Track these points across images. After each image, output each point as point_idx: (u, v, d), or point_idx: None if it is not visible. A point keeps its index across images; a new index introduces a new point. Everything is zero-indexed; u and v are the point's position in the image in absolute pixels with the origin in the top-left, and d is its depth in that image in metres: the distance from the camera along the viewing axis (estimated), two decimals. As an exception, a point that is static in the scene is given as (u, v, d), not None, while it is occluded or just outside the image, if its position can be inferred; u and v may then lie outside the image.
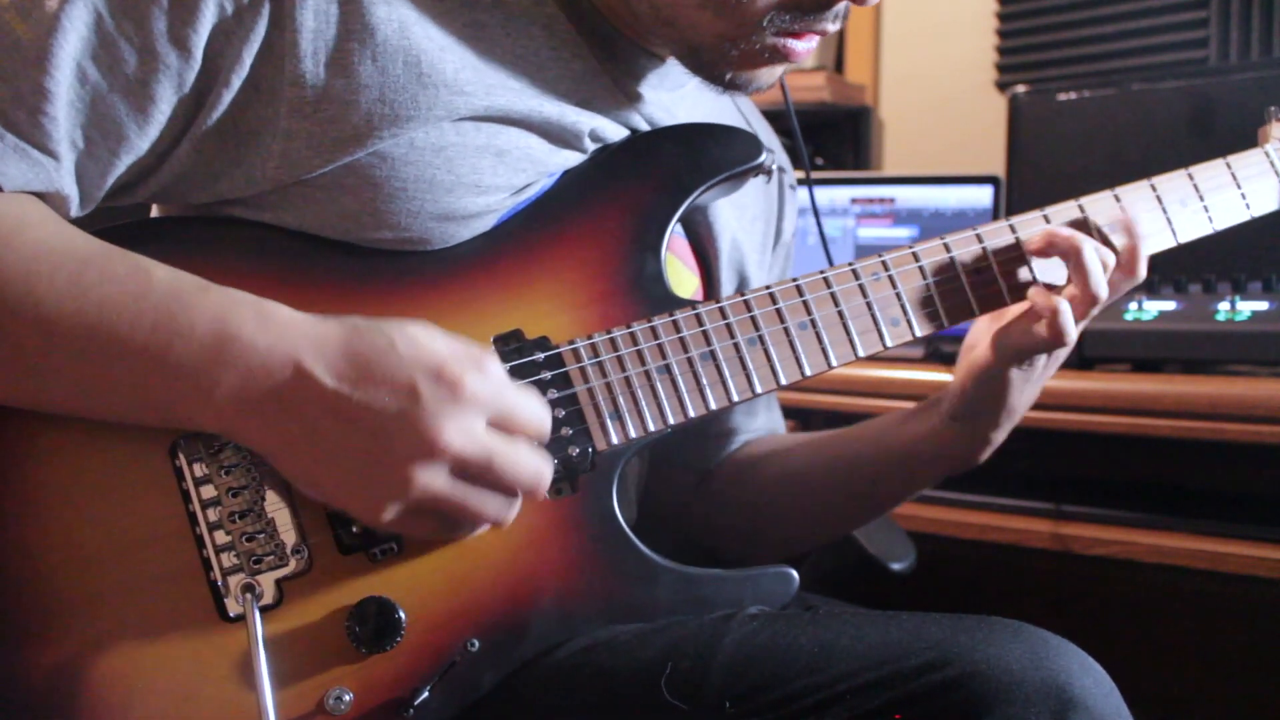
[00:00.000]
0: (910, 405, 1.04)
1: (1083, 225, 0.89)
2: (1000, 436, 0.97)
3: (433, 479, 0.67)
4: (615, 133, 0.87)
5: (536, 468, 0.71)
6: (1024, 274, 0.89)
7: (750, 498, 1.06)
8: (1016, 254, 0.89)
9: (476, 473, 0.68)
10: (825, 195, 1.75)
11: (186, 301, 0.68)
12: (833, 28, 0.80)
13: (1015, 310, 0.90)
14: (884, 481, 1.02)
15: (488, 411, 0.68)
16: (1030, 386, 0.94)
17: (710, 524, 1.09)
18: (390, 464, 0.67)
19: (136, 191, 0.78)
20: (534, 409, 0.71)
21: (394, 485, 0.67)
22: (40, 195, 0.72)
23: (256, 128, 0.74)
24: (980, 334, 0.95)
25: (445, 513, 0.70)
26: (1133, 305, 1.33)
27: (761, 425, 1.11)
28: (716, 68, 0.81)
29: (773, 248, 1.08)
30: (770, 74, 0.83)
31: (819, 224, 1.11)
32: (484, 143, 0.79)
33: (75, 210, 0.74)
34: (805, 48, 0.80)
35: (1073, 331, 0.86)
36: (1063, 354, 0.93)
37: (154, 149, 0.74)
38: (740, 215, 1.00)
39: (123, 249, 0.71)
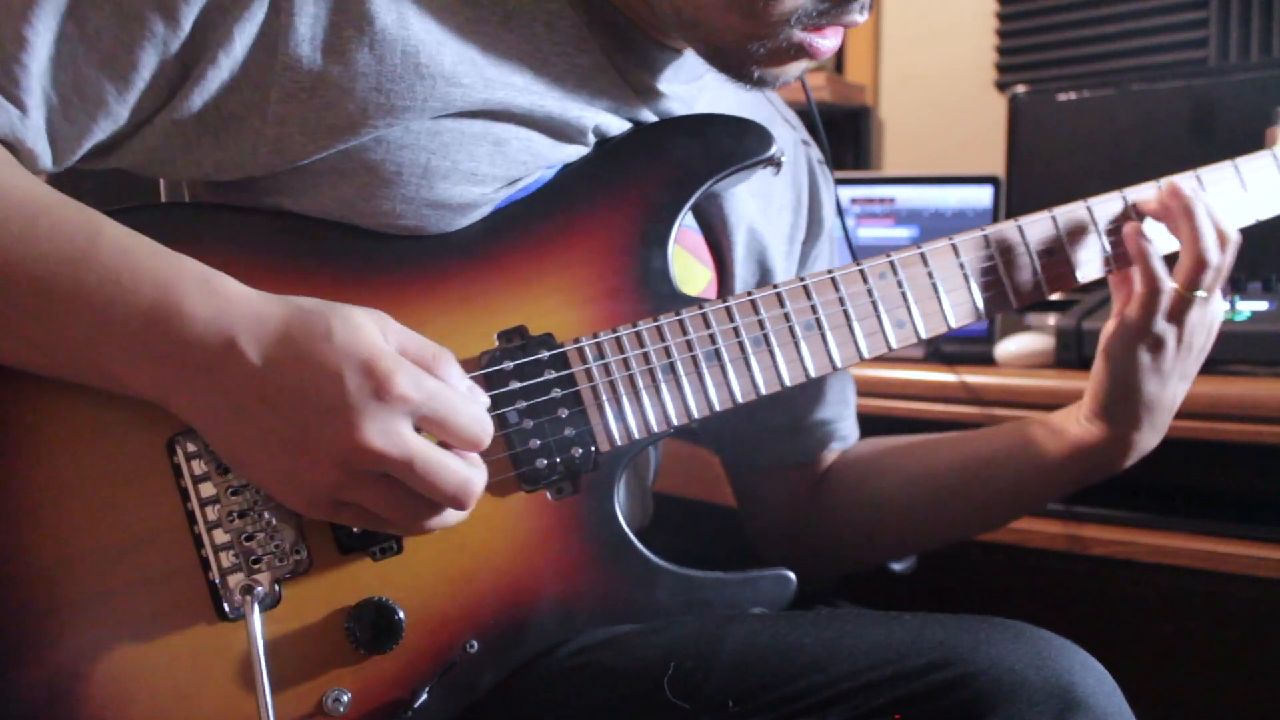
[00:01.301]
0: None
1: (1084, 225, 0.91)
2: (1144, 440, 0.94)
3: (350, 475, 0.66)
4: (621, 129, 0.86)
5: (463, 478, 0.68)
6: (1029, 275, 0.90)
7: (879, 498, 1.05)
8: (1023, 254, 0.90)
9: (399, 476, 0.67)
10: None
11: (133, 264, 0.67)
12: (860, 18, 0.79)
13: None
14: (1025, 487, 1.00)
15: (417, 413, 0.66)
16: (1162, 380, 0.91)
17: (831, 522, 1.07)
18: (311, 453, 0.65)
19: (110, 157, 0.77)
20: (469, 418, 0.69)
21: (314, 475, 0.66)
22: (4, 144, 0.71)
23: (239, 112, 0.73)
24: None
25: (368, 511, 0.69)
26: (1133, 305, 1.33)
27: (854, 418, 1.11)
28: (743, 67, 0.80)
29: (807, 238, 1.06)
30: (796, 68, 0.81)
31: (843, 223, 1.11)
32: (481, 131, 0.78)
33: (45, 167, 0.73)
34: (830, 44, 0.79)
35: (1161, 275, 0.88)
36: (1199, 345, 0.92)
37: (133, 118, 0.73)
38: (766, 206, 0.99)
39: (82, 206, 0.69)
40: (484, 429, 0.70)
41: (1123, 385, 0.92)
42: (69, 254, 0.66)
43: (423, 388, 0.66)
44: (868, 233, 1.74)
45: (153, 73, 0.72)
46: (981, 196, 1.66)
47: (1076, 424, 0.96)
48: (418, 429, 0.67)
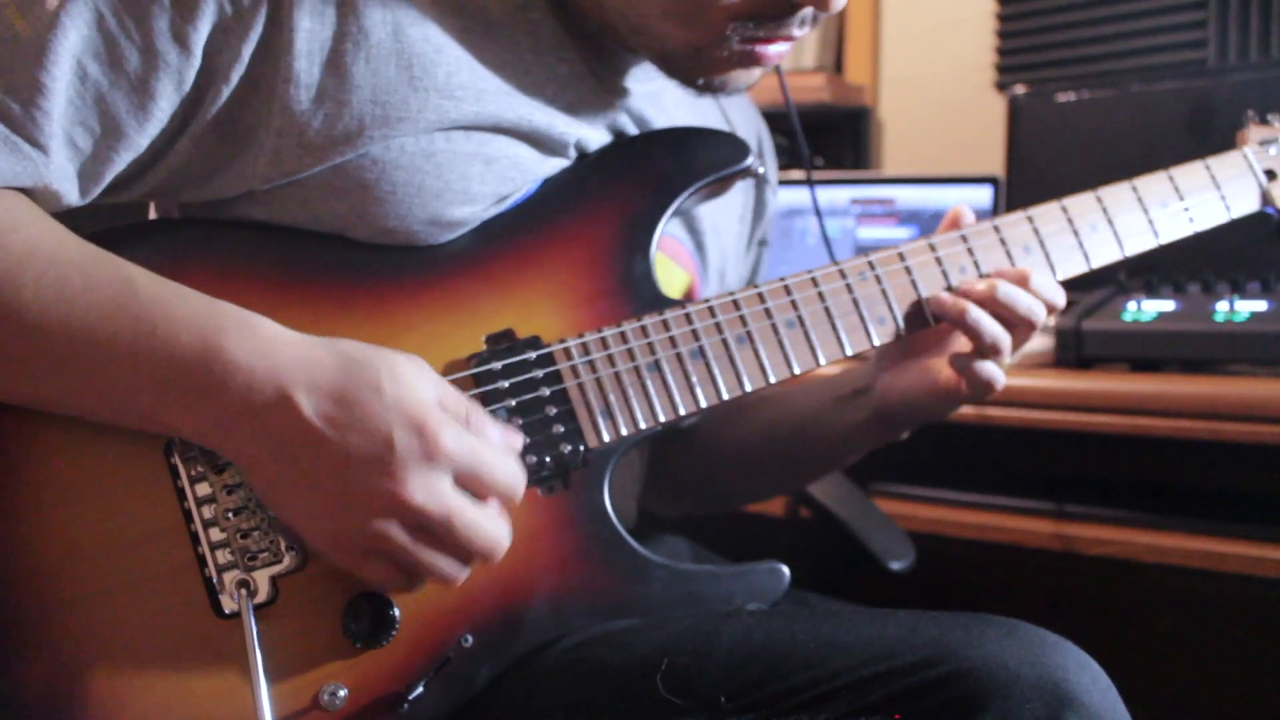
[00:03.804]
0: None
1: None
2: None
3: (390, 529, 0.68)
4: (601, 140, 0.88)
5: (494, 534, 0.70)
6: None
7: (722, 453, 1.10)
8: (1000, 254, 0.91)
9: (435, 531, 0.69)
10: (825, 195, 1.75)
11: (168, 311, 0.68)
12: (799, 33, 0.80)
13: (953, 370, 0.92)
14: (814, 458, 1.09)
15: (457, 469, 0.69)
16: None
17: (685, 474, 1.12)
18: (352, 507, 0.67)
19: (132, 188, 0.78)
20: (507, 473, 0.71)
21: (352, 527, 0.68)
22: (29, 190, 0.72)
23: (253, 124, 0.74)
24: (917, 367, 0.95)
25: (398, 563, 0.70)
26: (1131, 305, 1.33)
27: None
28: (689, 73, 0.82)
29: (754, 219, 1.09)
30: (746, 76, 0.83)
31: (821, 224, 1.11)
32: (473, 150, 0.80)
33: (70, 203, 0.74)
34: (775, 51, 0.80)
35: (996, 376, 0.90)
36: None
37: (153, 146, 0.74)
38: (726, 205, 1.02)
39: (110, 254, 0.71)
40: (519, 483, 0.72)
41: (923, 417, 0.98)
42: (104, 309, 0.68)
43: (464, 444, 0.69)
44: (868, 233, 1.74)
45: (170, 102, 0.73)
46: (981, 197, 1.66)
47: (868, 419, 1.00)
48: (455, 483, 0.69)
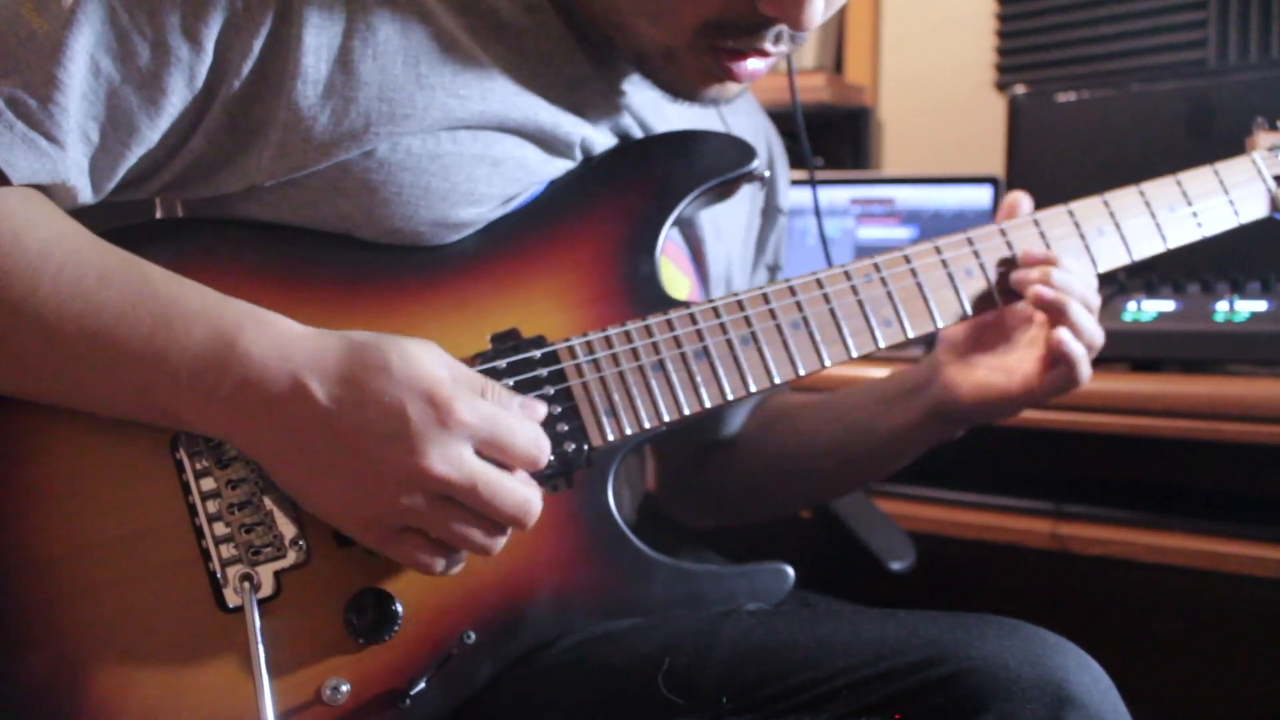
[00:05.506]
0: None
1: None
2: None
3: (416, 503, 0.68)
4: (606, 143, 0.88)
5: (523, 498, 0.70)
6: (1014, 277, 0.91)
7: (763, 462, 1.10)
8: (1007, 258, 0.91)
9: (462, 500, 0.69)
10: (824, 195, 1.75)
11: (184, 308, 0.69)
12: (774, 49, 0.79)
13: (1032, 354, 0.93)
14: (861, 464, 1.07)
15: (477, 438, 0.69)
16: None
17: (724, 485, 1.11)
18: (375, 485, 0.67)
19: (147, 184, 0.78)
20: (527, 438, 0.71)
21: (378, 506, 0.68)
22: (47, 187, 0.72)
23: (261, 118, 0.75)
24: (990, 363, 0.96)
25: (432, 539, 0.70)
26: (1131, 305, 1.34)
27: None
28: (663, 76, 0.82)
29: (763, 223, 1.09)
30: (722, 90, 0.83)
31: (820, 225, 1.11)
32: (480, 152, 0.80)
33: (84, 200, 0.75)
34: (751, 68, 0.80)
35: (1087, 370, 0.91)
36: None
37: (164, 141, 0.75)
38: (731, 211, 1.02)
39: (125, 252, 0.71)
40: (541, 448, 0.72)
41: (992, 417, 0.98)
42: (120, 304, 0.68)
43: (480, 412, 0.69)
44: (868, 233, 1.74)
45: (182, 97, 0.73)
46: (981, 197, 1.66)
47: (923, 418, 1.00)
48: (477, 453, 0.69)
